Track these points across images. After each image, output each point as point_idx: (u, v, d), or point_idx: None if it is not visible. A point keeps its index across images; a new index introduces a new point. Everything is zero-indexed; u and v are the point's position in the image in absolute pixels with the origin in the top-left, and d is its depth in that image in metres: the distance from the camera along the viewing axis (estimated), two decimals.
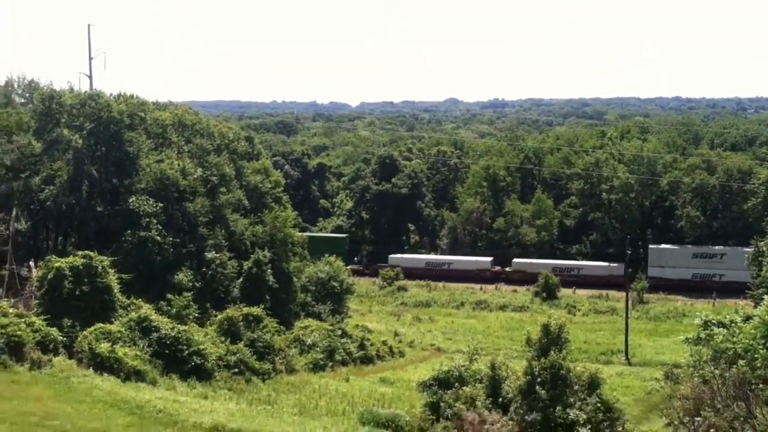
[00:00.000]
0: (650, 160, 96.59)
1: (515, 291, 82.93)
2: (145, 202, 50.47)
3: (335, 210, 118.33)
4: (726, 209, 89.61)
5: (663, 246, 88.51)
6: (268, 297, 52.82)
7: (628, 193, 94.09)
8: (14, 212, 49.23)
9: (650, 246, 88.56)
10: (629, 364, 54.17)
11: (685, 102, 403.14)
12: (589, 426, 22.73)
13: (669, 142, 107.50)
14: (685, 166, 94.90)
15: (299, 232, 70.30)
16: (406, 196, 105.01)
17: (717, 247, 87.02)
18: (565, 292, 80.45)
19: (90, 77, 72.87)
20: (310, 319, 55.04)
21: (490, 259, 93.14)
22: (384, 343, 55.79)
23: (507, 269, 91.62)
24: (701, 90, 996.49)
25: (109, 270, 40.04)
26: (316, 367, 46.45)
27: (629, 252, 66.75)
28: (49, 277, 37.89)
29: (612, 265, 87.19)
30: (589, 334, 62.82)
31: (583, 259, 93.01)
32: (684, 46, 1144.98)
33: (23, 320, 33.80)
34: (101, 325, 35.78)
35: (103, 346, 33.72)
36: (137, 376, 33.21)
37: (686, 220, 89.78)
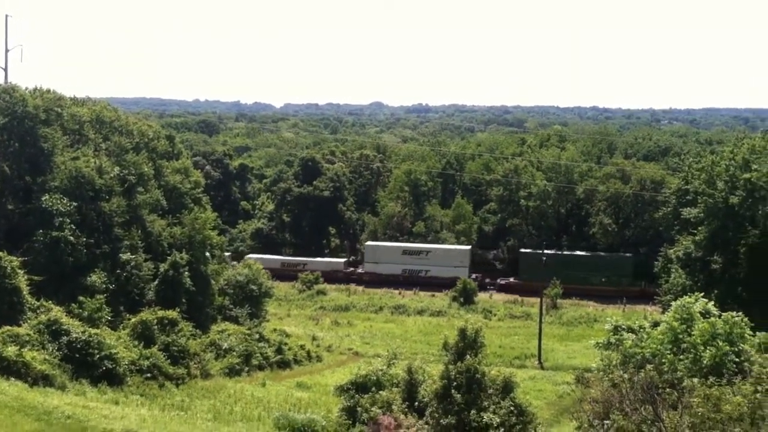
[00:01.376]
0: (567, 168, 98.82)
1: (433, 296, 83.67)
2: (59, 201, 49.02)
3: (256, 212, 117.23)
4: (638, 218, 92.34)
5: (378, 243, 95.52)
6: (184, 300, 51.83)
7: (546, 200, 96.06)
8: None
9: (366, 243, 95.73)
10: (542, 368, 55.24)
11: (602, 112, 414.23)
12: (503, 429, 23.05)
13: (585, 151, 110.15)
14: (601, 175, 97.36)
15: (218, 234, 69.33)
16: (328, 199, 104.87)
17: (423, 245, 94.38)
18: (482, 296, 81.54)
19: (5, 70, 70.62)
20: (227, 323, 54.30)
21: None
22: (302, 347, 55.48)
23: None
24: (618, 100, 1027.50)
25: (19, 271, 38.92)
26: (232, 372, 45.85)
27: (544, 258, 68.19)
28: None
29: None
30: (504, 339, 63.81)
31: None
32: (601, 58, 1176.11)
33: None
34: (8, 327, 34.66)
35: (10, 350, 32.62)
36: (45, 380, 32.22)
37: (599, 228, 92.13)
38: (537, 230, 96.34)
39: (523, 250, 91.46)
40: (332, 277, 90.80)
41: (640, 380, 21.43)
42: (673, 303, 30.99)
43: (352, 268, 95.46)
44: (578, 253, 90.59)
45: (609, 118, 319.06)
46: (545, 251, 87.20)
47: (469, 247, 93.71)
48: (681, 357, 26.06)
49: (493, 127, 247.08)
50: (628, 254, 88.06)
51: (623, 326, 32.95)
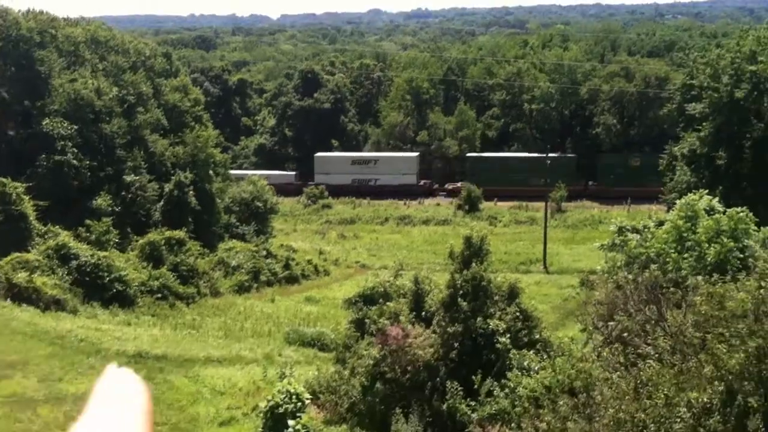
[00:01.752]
0: (570, 68, 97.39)
1: (438, 204, 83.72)
2: (60, 125, 48.78)
3: (258, 128, 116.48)
4: (643, 116, 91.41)
5: (326, 154, 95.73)
6: (190, 219, 52.04)
7: (549, 102, 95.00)
8: None
9: (316, 155, 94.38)
10: (547, 272, 55.63)
11: (605, 9, 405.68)
12: (509, 335, 23.33)
13: (589, 50, 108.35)
14: (604, 74, 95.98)
15: (221, 151, 69.11)
16: (330, 111, 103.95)
17: (370, 154, 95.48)
18: (487, 204, 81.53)
19: None
20: (234, 241, 54.60)
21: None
22: (309, 262, 55.84)
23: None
24: None
25: (24, 197, 39.05)
26: (241, 289, 46.39)
27: (549, 162, 67.84)
28: None
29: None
30: (509, 245, 64.04)
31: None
32: None
33: None
34: (18, 254, 34.99)
35: (21, 276, 33.03)
36: (57, 305, 32.74)
37: (603, 129, 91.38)
38: (541, 134, 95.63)
39: (469, 154, 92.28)
40: (284, 189, 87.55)
41: (645, 280, 21.50)
42: (677, 201, 30.88)
43: (302, 181, 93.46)
44: (521, 154, 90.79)
45: (612, 14, 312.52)
46: (491, 154, 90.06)
47: (416, 154, 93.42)
48: (685, 255, 26.09)
49: (494, 30, 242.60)
50: (571, 155, 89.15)
51: (628, 227, 32.97)
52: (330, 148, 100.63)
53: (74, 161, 48.03)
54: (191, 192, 53.42)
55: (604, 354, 19.53)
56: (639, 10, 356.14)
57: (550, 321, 34.28)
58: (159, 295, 39.27)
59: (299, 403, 20.89)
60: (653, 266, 24.06)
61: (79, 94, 51.29)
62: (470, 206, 79.11)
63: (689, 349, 17.40)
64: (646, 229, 31.96)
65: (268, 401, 20.87)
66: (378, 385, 22.54)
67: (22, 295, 32.30)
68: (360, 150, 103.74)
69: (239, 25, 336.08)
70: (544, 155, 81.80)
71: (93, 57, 59.37)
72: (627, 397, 16.38)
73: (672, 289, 21.27)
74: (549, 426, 16.47)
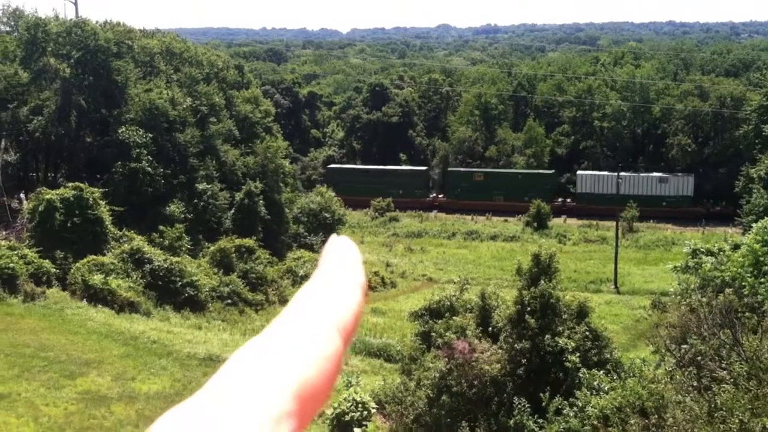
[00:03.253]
0: (643, 86, 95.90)
1: (506, 221, 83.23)
2: (135, 133, 50.08)
3: (326, 140, 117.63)
4: (717, 136, 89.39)
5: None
6: (260, 228, 52.88)
7: (621, 120, 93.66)
8: (2, 143, 48.89)
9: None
10: (618, 292, 54.69)
11: (679, 26, 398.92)
12: (578, 354, 23.06)
13: (661, 68, 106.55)
14: (678, 93, 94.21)
15: (290, 162, 70.05)
16: (398, 125, 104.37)
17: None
18: (556, 221, 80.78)
19: (75, 4, 71.60)
20: (302, 250, 55.21)
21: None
22: (376, 273, 56.02)
23: None
24: (695, 14, 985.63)
25: (100, 202, 40.01)
26: None
27: (620, 180, 66.83)
28: (40, 209, 37.88)
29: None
30: (579, 263, 63.26)
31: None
32: None
33: (15, 252, 33.96)
34: (94, 257, 35.93)
35: (97, 278, 33.94)
36: (131, 307, 33.54)
37: (677, 148, 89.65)
38: (612, 152, 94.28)
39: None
40: None
41: (719, 304, 21.05)
42: (754, 224, 30.16)
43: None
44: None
45: (686, 32, 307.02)
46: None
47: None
48: (762, 280, 25.45)
49: (564, 46, 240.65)
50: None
51: (702, 249, 32.32)
52: (398, 162, 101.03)
53: (149, 168, 49.21)
54: (261, 201, 54.26)
55: (677, 377, 19.18)
56: (714, 29, 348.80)
57: (621, 342, 33.74)
58: (229, 301, 39.93)
59: (365, 412, 21.04)
60: (728, 290, 23.57)
61: (154, 103, 52.61)
62: (539, 223, 78.43)
63: (766, 374, 16.98)
64: (721, 252, 31.29)
65: (335, 408, 21.06)
66: (444, 397, 22.49)
67: (97, 297, 33.22)
68: (429, 164, 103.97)
69: (309, 39, 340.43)
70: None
71: (168, 68, 60.91)
72: (700, 421, 16.06)
73: (747, 313, 20.79)
74: None
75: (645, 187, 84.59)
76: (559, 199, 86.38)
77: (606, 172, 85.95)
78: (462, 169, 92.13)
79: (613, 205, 73.50)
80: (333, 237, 0.94)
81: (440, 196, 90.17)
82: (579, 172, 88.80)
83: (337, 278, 0.88)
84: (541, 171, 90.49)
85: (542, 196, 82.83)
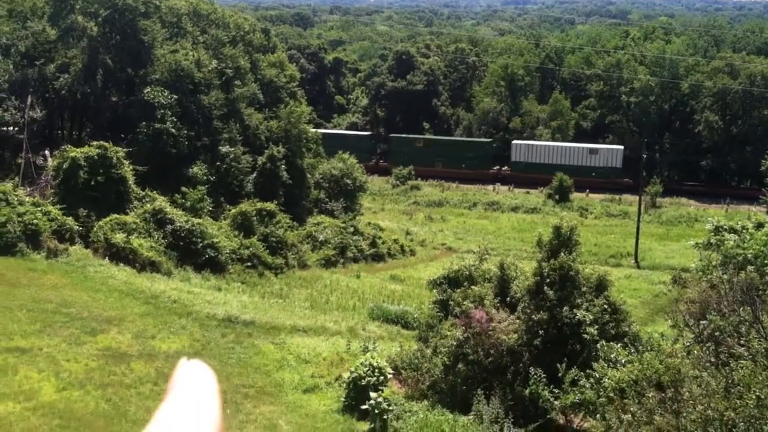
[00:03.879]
0: (672, 62, 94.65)
1: (528, 192, 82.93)
2: (160, 94, 50.11)
3: (350, 107, 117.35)
4: (746, 115, 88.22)
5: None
6: (281, 193, 52.95)
7: (648, 96, 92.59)
8: (29, 100, 49.14)
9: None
10: (638, 267, 54.43)
11: (711, 3, 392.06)
12: (596, 326, 23.03)
13: (692, 44, 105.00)
14: (708, 70, 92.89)
15: (314, 127, 69.97)
16: (422, 93, 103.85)
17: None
18: (577, 195, 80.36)
19: None
20: (322, 216, 55.32)
21: None
22: (395, 241, 56.10)
23: None
24: None
25: (124, 161, 40.13)
26: (328, 263, 46.97)
27: (645, 156, 66.12)
28: (64, 166, 38.10)
29: None
30: (600, 237, 63.01)
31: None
32: None
33: (39, 209, 34.28)
34: (116, 215, 36.18)
35: (119, 237, 34.21)
36: (152, 267, 33.83)
37: (705, 125, 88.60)
38: (638, 127, 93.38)
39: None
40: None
41: (740, 281, 20.91)
42: None
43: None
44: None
45: (719, 9, 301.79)
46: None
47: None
48: None
49: (594, 19, 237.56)
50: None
51: (725, 226, 32.08)
52: (421, 131, 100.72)
53: (173, 130, 49.26)
54: (283, 166, 54.30)
55: (695, 352, 19.13)
56: (747, 6, 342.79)
57: (640, 316, 33.68)
58: (249, 264, 40.10)
59: (381, 377, 21.17)
60: (750, 268, 23.40)
61: (179, 65, 52.54)
62: (561, 196, 78.09)
63: None
64: (744, 230, 31.06)
65: (351, 373, 21.21)
66: (460, 365, 22.58)
67: (119, 255, 33.49)
68: (452, 134, 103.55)
69: (337, 4, 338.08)
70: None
71: (194, 29, 60.77)
72: (717, 396, 16.03)
73: None
74: (634, 417, 16.25)
75: (576, 157, 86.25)
76: (496, 167, 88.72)
77: (540, 142, 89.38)
78: (404, 136, 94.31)
79: (544, 173, 78.96)
80: (182, 361, 0.92)
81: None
82: (514, 141, 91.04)
83: (193, 401, 0.90)
84: (479, 139, 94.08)
85: (480, 164, 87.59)
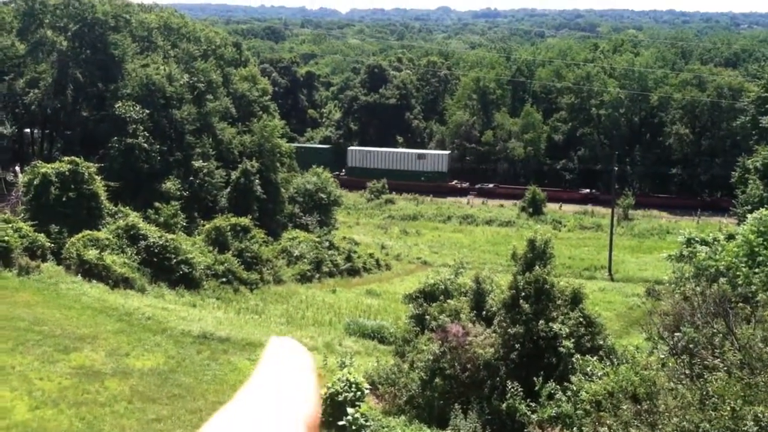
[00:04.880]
0: (641, 75, 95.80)
1: (502, 206, 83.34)
2: (132, 108, 49.83)
3: (323, 120, 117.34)
4: (714, 126, 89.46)
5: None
6: (255, 207, 52.81)
7: (618, 108, 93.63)
8: None
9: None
10: (612, 279, 54.87)
11: (679, 15, 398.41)
12: (572, 339, 23.15)
13: (660, 57, 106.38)
14: (676, 82, 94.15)
15: (287, 142, 69.85)
16: (395, 107, 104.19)
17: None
18: (551, 207, 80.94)
19: None
20: (297, 231, 55.13)
21: None
22: (371, 255, 56.12)
23: None
24: (695, 3, 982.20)
25: (96, 177, 39.76)
26: (304, 278, 46.84)
27: (616, 168, 66.77)
28: (35, 182, 37.69)
29: None
30: (573, 250, 63.43)
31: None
32: None
33: (10, 225, 33.83)
34: (89, 232, 35.79)
35: (91, 253, 33.83)
36: (126, 283, 33.49)
37: (675, 138, 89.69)
38: (609, 139, 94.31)
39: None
40: None
41: (713, 293, 21.11)
42: (749, 215, 30.21)
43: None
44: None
45: (686, 22, 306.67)
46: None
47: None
48: (756, 270, 25.52)
49: (564, 32, 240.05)
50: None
51: (697, 238, 32.38)
52: (394, 144, 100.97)
53: (145, 144, 49.01)
54: (257, 180, 54.18)
55: (670, 364, 19.28)
56: (714, 18, 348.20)
57: (614, 328, 33.90)
58: (224, 279, 39.86)
59: (358, 393, 21.06)
60: (722, 279, 23.66)
61: (151, 79, 52.32)
62: (534, 209, 78.58)
63: (758, 363, 17.08)
64: (715, 242, 31.38)
65: (328, 389, 21.09)
66: (437, 380, 22.58)
67: (92, 272, 33.12)
68: (425, 147, 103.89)
69: (308, 18, 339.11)
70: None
71: (165, 43, 60.58)
72: (692, 408, 16.16)
73: (741, 304, 20.85)
74: (610, 430, 16.34)
75: (406, 162, 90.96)
76: (335, 173, 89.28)
77: (373, 148, 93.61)
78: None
79: (375, 178, 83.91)
80: (273, 339, 0.88)
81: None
82: (350, 147, 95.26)
83: (291, 372, 0.85)
84: (319, 145, 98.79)
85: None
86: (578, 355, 21.33)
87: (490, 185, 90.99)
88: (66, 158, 39.67)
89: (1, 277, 30.78)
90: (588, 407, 17.88)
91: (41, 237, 34.36)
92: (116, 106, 49.96)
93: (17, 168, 45.96)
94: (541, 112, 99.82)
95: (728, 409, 15.16)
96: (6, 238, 32.28)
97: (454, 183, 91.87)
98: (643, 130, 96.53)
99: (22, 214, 37.21)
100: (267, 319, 33.24)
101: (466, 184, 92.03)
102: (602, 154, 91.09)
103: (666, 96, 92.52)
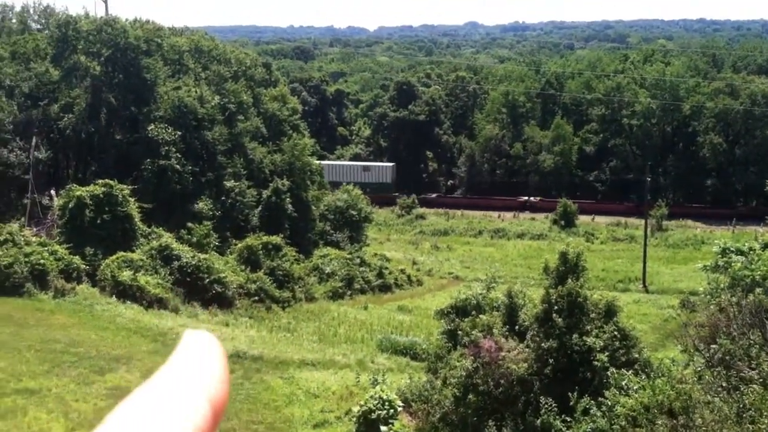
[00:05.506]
0: (673, 84, 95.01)
1: (533, 219, 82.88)
2: (164, 131, 50.44)
3: (353, 138, 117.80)
4: (749, 135, 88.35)
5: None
6: (287, 226, 53.05)
7: (650, 118, 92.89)
8: (34, 141, 49.46)
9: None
10: (647, 291, 54.19)
11: (709, 24, 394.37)
12: (606, 353, 22.90)
13: (692, 66, 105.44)
14: (709, 91, 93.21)
15: (317, 160, 70.21)
16: (424, 123, 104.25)
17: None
18: (583, 219, 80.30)
19: (105, 2, 72.28)
20: (328, 248, 55.24)
21: None
22: (402, 271, 55.97)
23: None
24: (726, 12, 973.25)
25: (130, 198, 40.31)
26: (335, 296, 46.87)
27: (649, 179, 66.12)
28: (70, 205, 38.29)
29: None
30: (607, 262, 62.79)
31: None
32: None
33: (46, 248, 34.40)
34: (123, 253, 36.25)
35: (126, 274, 34.25)
36: (159, 303, 33.81)
37: (708, 147, 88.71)
38: (641, 150, 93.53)
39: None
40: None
41: (749, 304, 20.81)
42: None
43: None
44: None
45: (717, 30, 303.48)
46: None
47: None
48: None
49: (593, 44, 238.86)
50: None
51: (732, 248, 31.95)
52: (424, 160, 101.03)
53: (177, 166, 49.55)
54: (288, 199, 54.47)
55: (706, 377, 19.00)
56: (745, 26, 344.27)
57: (650, 341, 33.47)
58: (256, 298, 40.07)
59: (391, 410, 21.03)
60: (758, 290, 23.30)
61: (182, 101, 52.95)
62: (566, 221, 78.03)
63: None
64: (751, 252, 30.93)
65: (361, 406, 21.08)
66: (470, 396, 22.44)
67: (126, 293, 33.52)
68: (455, 162, 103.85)
69: (337, 37, 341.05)
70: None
71: (196, 66, 61.33)
72: (729, 421, 15.90)
73: None
74: None
75: (352, 175, 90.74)
76: None
77: (321, 162, 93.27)
78: None
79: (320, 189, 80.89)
80: (188, 332, 0.92)
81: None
82: None
83: (200, 359, 0.88)
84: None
85: None
86: (613, 369, 21.09)
87: (534, 199, 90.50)
88: (100, 181, 40.26)
89: (37, 299, 31.25)
90: (623, 423, 17.67)
91: (76, 259, 34.85)
92: (149, 128, 50.60)
93: (53, 192, 46.65)
94: (572, 124, 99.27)
95: (766, 422, 14.92)
96: (42, 261, 32.82)
97: (498, 198, 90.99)
98: (675, 139, 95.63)
99: (58, 237, 37.78)
100: (299, 336, 33.32)
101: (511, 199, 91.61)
102: (635, 165, 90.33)
103: (698, 105, 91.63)
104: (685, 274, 55.94)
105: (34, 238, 36.09)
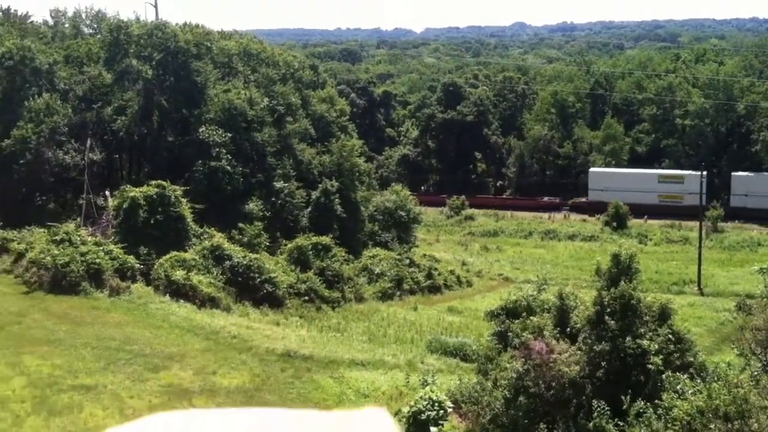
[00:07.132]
0: (726, 84, 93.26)
1: (585, 221, 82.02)
2: (215, 132, 51.02)
3: (401, 139, 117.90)
4: None
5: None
6: (336, 226, 53.24)
7: (703, 118, 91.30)
8: (88, 142, 50.39)
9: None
10: (702, 294, 53.21)
11: (762, 23, 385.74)
12: (661, 356, 22.53)
13: (746, 65, 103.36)
14: (763, 90, 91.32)
15: (365, 161, 70.39)
16: (472, 123, 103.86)
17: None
18: (635, 221, 79.19)
19: (155, 6, 73.48)
20: (377, 249, 55.27)
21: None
22: (451, 272, 55.78)
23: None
24: None
25: (182, 199, 40.82)
26: (385, 296, 46.84)
27: (704, 179, 64.93)
28: (124, 206, 38.94)
29: None
30: (660, 264, 61.83)
31: None
32: None
33: (101, 248, 35.03)
34: (176, 253, 36.72)
35: (179, 274, 34.70)
36: (212, 302, 34.18)
37: (763, 146, 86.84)
38: (694, 150, 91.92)
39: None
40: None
41: None
42: None
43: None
44: None
45: None
46: None
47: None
48: None
49: (644, 44, 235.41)
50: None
51: None
52: (473, 161, 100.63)
53: (228, 167, 50.05)
54: (337, 199, 54.70)
55: (763, 382, 18.62)
56: None
57: (705, 345, 32.87)
58: (306, 298, 40.20)
59: (441, 411, 21.00)
60: None
61: (232, 103, 53.49)
62: (618, 223, 77.02)
63: None
64: None
65: (411, 407, 21.07)
66: (521, 398, 22.25)
67: (179, 292, 33.94)
68: (504, 163, 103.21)
69: (384, 39, 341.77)
70: None
71: (245, 69, 61.97)
72: None
73: None
74: None
75: None
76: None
77: None
78: None
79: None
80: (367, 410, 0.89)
81: None
82: None
83: None
84: None
85: None
86: (668, 373, 20.76)
87: (554, 199, 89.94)
88: (153, 182, 40.83)
89: (93, 297, 31.85)
90: (677, 426, 17.39)
91: (131, 259, 35.42)
92: (200, 130, 51.23)
93: (107, 193, 47.42)
94: (623, 123, 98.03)
95: None
96: (98, 260, 33.44)
97: (546, 199, 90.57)
98: (730, 139, 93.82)
99: (113, 237, 38.42)
100: (349, 336, 33.41)
101: (557, 200, 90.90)
102: (687, 165, 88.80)
103: (753, 104, 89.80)
104: (741, 277, 54.83)
105: (89, 238, 36.76)
